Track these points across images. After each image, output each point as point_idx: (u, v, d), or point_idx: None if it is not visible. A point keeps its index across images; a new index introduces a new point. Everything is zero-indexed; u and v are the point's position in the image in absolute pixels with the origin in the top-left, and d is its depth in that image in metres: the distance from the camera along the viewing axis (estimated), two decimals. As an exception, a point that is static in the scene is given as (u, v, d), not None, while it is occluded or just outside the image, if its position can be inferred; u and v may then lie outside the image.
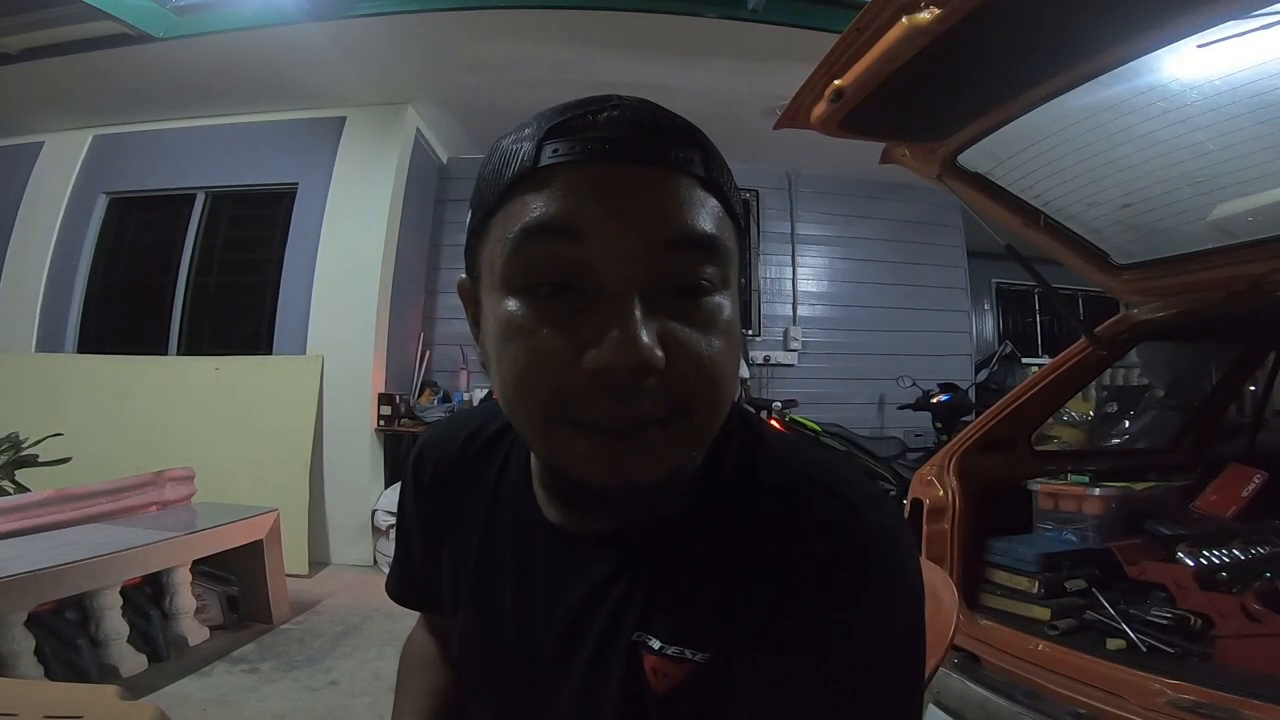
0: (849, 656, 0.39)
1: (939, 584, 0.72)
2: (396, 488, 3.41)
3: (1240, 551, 1.40)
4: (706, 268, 0.39)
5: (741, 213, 0.45)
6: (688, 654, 0.42)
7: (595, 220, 0.36)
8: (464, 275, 0.46)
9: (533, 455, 0.51)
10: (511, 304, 0.38)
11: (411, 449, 0.64)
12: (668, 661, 0.43)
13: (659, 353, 0.36)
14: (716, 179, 0.40)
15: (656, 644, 0.43)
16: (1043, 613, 1.47)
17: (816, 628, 0.39)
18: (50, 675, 1.86)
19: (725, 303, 0.40)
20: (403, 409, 3.58)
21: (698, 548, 0.44)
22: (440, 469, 0.60)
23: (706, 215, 0.39)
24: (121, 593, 2.08)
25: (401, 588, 0.68)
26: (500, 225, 0.39)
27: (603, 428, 0.37)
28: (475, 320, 0.45)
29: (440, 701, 0.66)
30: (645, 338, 0.35)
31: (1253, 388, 2.35)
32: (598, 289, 0.37)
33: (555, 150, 0.38)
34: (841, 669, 0.39)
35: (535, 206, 0.37)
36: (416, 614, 0.72)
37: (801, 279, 4.45)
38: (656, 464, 0.38)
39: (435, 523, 0.60)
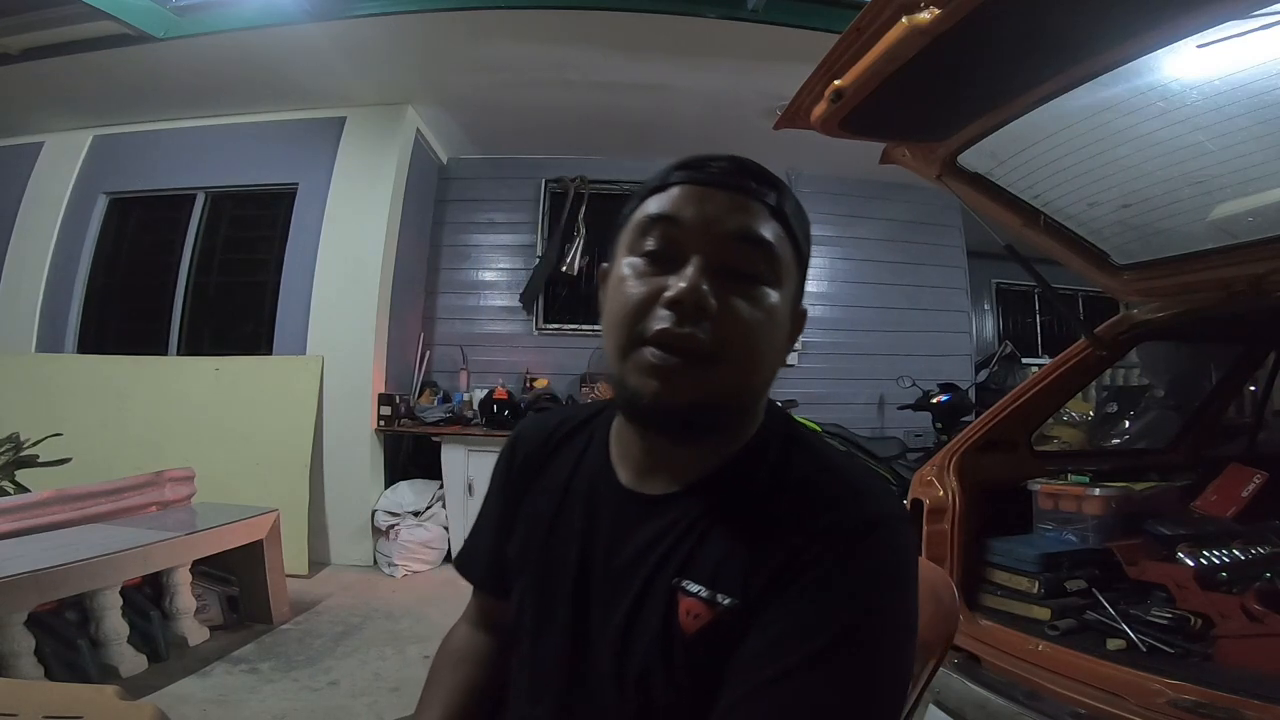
0: (846, 605, 0.47)
1: (939, 584, 0.72)
2: (396, 488, 3.42)
3: (1240, 552, 1.40)
4: (759, 262, 0.53)
5: (804, 242, 0.59)
6: (719, 598, 0.51)
7: (690, 215, 0.53)
8: (605, 264, 0.61)
9: (612, 433, 0.63)
10: (626, 264, 0.55)
11: (508, 435, 0.75)
12: (702, 604, 0.51)
13: (712, 301, 0.50)
14: (783, 211, 0.56)
15: (695, 587, 0.52)
16: (1043, 613, 1.47)
17: (821, 578, 0.48)
18: (50, 675, 1.86)
19: (773, 294, 0.54)
20: (403, 409, 3.57)
21: (740, 512, 0.54)
22: (531, 449, 0.70)
23: (766, 227, 0.54)
24: (121, 593, 2.08)
25: (468, 558, 0.75)
26: (634, 217, 0.57)
27: (660, 341, 0.50)
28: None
29: (471, 699, 0.67)
30: (704, 286, 0.51)
31: (1253, 388, 2.35)
32: (682, 259, 0.53)
33: (677, 176, 0.56)
34: (838, 613, 0.47)
35: (655, 203, 0.56)
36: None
37: (801, 279, 4.45)
38: (685, 391, 0.50)
39: (517, 498, 0.68)
